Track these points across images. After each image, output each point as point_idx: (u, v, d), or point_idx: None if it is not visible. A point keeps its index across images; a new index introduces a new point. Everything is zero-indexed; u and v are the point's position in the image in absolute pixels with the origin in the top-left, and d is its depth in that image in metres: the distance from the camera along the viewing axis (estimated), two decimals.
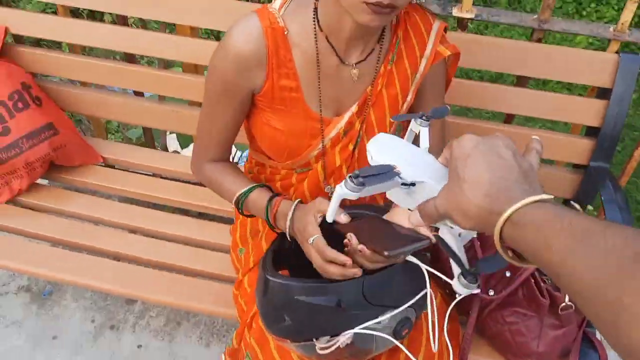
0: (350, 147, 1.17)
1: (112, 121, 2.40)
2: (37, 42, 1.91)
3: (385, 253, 0.83)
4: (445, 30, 1.18)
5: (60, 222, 1.67)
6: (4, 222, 1.66)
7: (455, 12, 1.52)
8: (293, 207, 1.10)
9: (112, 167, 1.89)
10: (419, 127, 0.82)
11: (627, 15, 1.43)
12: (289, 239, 1.12)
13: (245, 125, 1.24)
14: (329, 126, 1.14)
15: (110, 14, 1.70)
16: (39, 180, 1.76)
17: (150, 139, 2.13)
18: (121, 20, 1.77)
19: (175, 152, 2.21)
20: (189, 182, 1.79)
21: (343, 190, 0.71)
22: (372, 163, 0.74)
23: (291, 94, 1.10)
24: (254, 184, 1.20)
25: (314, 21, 1.06)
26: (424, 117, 0.81)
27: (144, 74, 1.74)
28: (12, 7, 1.79)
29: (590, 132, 1.58)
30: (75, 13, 1.79)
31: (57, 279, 1.54)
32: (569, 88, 3.33)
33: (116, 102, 1.80)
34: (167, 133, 2.29)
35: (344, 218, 0.98)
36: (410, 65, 1.14)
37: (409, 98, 1.17)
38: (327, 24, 1.05)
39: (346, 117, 1.14)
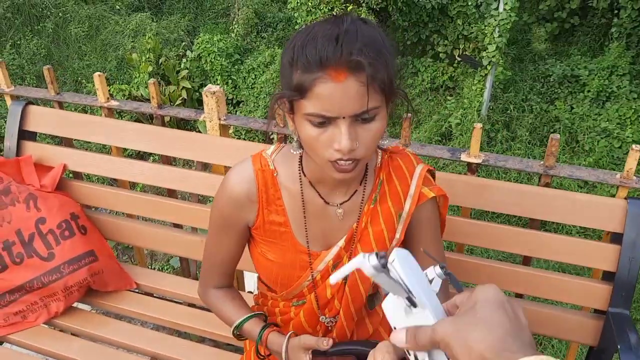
0: (341, 280, 1.24)
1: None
2: (90, 177, 2.11)
3: None
4: (433, 173, 1.28)
5: (91, 347, 1.76)
6: (41, 344, 1.76)
7: (464, 157, 1.63)
8: (285, 342, 1.20)
9: (150, 295, 1.99)
10: (433, 274, 0.77)
11: (631, 163, 1.50)
12: None
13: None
14: (317, 259, 1.22)
15: (153, 154, 1.88)
16: (76, 304, 1.88)
17: (187, 267, 2.25)
18: (165, 160, 1.97)
19: (250, 292, 2.26)
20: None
21: (362, 261, 0.66)
22: (390, 267, 0.68)
23: (280, 228, 1.21)
24: (251, 314, 1.29)
25: (299, 169, 1.19)
26: (444, 270, 0.77)
27: (181, 207, 1.89)
28: (72, 146, 2.02)
29: (607, 276, 1.59)
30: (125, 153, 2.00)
31: None
32: (584, 233, 3.33)
33: (155, 232, 1.95)
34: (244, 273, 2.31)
35: (325, 344, 1.09)
36: (394, 205, 1.21)
37: (397, 235, 1.22)
38: (310, 172, 1.18)
39: (334, 251, 1.22)
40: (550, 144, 1.55)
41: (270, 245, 1.23)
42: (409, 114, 1.71)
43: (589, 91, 8.63)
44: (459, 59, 9.05)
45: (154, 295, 1.98)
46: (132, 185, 2.17)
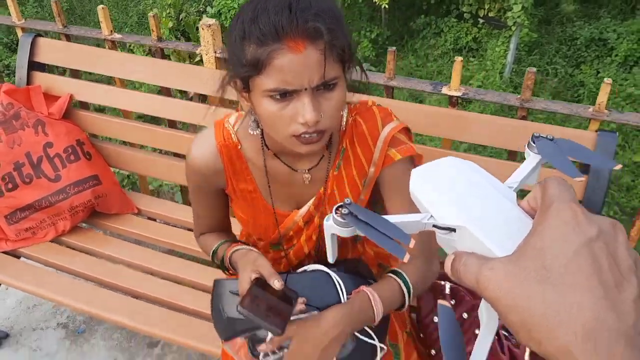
0: (314, 237, 1.27)
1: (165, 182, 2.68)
2: (97, 108, 2.22)
3: (238, 308, 1.01)
4: (409, 131, 1.21)
5: (94, 262, 1.90)
6: (49, 258, 1.91)
7: (445, 90, 1.69)
8: (246, 251, 1.21)
9: (153, 219, 2.12)
10: (529, 154, 0.59)
11: (602, 97, 1.55)
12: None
13: None
14: (287, 218, 1.25)
15: (156, 86, 1.99)
16: (81, 224, 2.02)
17: (187, 195, 2.37)
18: (165, 92, 2.07)
19: None
20: None
21: (328, 224, 0.55)
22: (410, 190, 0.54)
23: (250, 194, 1.22)
24: (228, 239, 1.32)
25: (262, 142, 1.16)
26: (548, 137, 0.59)
27: (181, 138, 2.00)
28: (78, 78, 2.13)
29: None
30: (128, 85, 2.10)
31: (85, 312, 1.75)
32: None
33: (155, 161, 2.07)
34: None
35: (277, 284, 1.06)
36: (357, 171, 1.19)
37: (361, 197, 1.21)
38: (273, 145, 1.15)
39: (303, 211, 1.23)
40: (527, 77, 1.60)
41: (243, 206, 1.25)
42: (394, 48, 1.77)
43: (616, 55, 8.44)
44: (482, 20, 8.91)
45: (156, 220, 2.11)
46: (137, 117, 2.28)
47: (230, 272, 1.29)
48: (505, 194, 0.48)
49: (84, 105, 2.16)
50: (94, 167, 2.00)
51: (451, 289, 1.50)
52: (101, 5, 1.99)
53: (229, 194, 1.24)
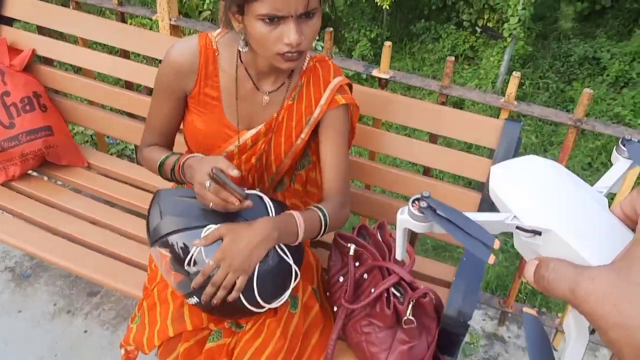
0: (253, 160, 1.45)
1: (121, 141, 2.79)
2: (60, 65, 2.33)
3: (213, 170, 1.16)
4: (350, 86, 1.47)
5: (41, 209, 2.01)
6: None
7: (375, 72, 1.81)
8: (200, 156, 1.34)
9: (105, 175, 2.22)
10: (618, 158, 0.54)
11: (511, 88, 1.66)
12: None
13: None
14: (237, 134, 1.41)
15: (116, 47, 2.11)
16: (31, 172, 2.13)
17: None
18: (123, 54, 2.18)
19: None
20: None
21: (403, 218, 0.50)
22: (490, 187, 0.50)
23: (212, 102, 1.40)
24: (177, 153, 1.44)
25: (237, 55, 1.37)
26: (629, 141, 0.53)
27: (136, 99, 2.11)
28: (43, 34, 2.24)
29: (478, 186, 1.77)
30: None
31: (32, 254, 1.86)
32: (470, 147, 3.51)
33: (109, 119, 2.18)
34: None
35: (236, 172, 1.18)
36: (305, 108, 1.41)
37: (302, 135, 1.43)
38: (245, 58, 1.36)
39: (253, 131, 1.42)
40: (446, 66, 1.72)
41: (201, 115, 1.41)
42: (331, 28, 1.88)
43: (607, 75, 8.53)
44: (479, 29, 9.02)
45: (104, 175, 2.22)
46: (97, 76, 2.38)
47: (179, 181, 1.40)
48: (596, 198, 0.45)
49: (49, 62, 2.27)
50: (48, 119, 2.11)
51: (355, 250, 1.61)
52: None
53: (191, 100, 1.39)
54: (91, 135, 2.84)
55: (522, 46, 8.87)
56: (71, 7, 2.17)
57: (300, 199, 1.62)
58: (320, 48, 6.65)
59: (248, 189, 1.40)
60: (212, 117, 1.41)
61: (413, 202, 0.48)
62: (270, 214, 1.32)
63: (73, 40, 2.21)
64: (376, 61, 9.30)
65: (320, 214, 1.36)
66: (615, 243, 0.40)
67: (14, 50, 2.18)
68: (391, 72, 1.80)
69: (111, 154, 2.55)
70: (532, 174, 0.47)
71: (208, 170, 1.19)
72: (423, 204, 0.47)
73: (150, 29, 1.91)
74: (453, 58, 1.71)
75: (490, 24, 9.41)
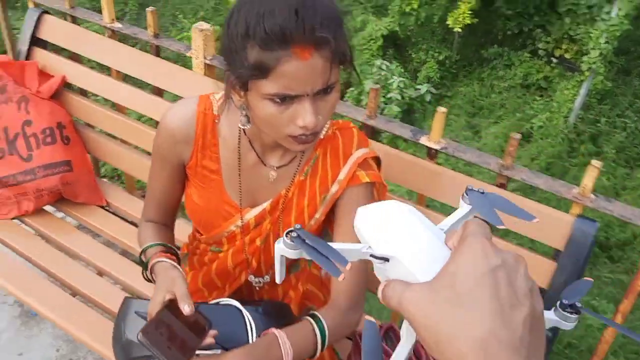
0: (258, 242, 1.23)
1: None
2: (85, 93, 2.19)
3: (138, 336, 0.95)
4: (378, 161, 1.22)
5: (46, 249, 1.87)
6: (6, 237, 1.89)
7: (424, 140, 1.55)
8: (169, 267, 1.16)
9: (123, 219, 2.06)
10: (462, 204, 0.64)
11: (588, 179, 1.37)
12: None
13: None
14: (240, 213, 1.21)
15: (150, 85, 1.95)
16: (47, 207, 2.00)
17: None
18: (156, 90, 2.01)
19: None
20: None
21: (278, 247, 0.60)
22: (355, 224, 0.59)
23: (211, 175, 1.20)
24: (162, 243, 1.26)
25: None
26: (479, 190, 0.63)
27: None
28: (78, 61, 2.11)
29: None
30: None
31: (22, 300, 1.72)
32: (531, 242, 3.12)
33: (134, 158, 2.02)
34: None
35: (187, 309, 1.03)
36: (320, 185, 1.18)
37: (317, 215, 1.19)
38: (249, 130, 1.14)
39: (257, 210, 1.21)
40: (510, 144, 1.44)
41: (199, 188, 1.23)
42: (378, 85, 1.64)
43: None
44: (556, 60, 8.53)
45: (121, 216, 2.06)
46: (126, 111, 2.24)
47: (151, 279, 1.23)
48: (435, 233, 0.54)
49: (81, 91, 2.13)
50: (68, 153, 1.97)
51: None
52: None
53: (189, 171, 1.22)
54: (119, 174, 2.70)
55: (601, 81, 8.31)
56: (106, 34, 2.02)
57: (317, 285, 1.39)
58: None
59: (231, 294, 1.26)
60: (211, 192, 1.21)
61: (287, 233, 0.57)
62: (250, 335, 1.12)
63: (106, 69, 2.05)
64: (442, 84, 8.96)
65: (317, 327, 1.12)
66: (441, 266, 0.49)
67: (44, 75, 2.05)
68: (443, 142, 1.54)
69: (139, 189, 2.39)
70: (387, 214, 0.57)
71: (161, 297, 1.04)
72: (294, 234, 0.56)
73: (185, 65, 1.77)
74: (519, 135, 1.43)
75: (567, 55, 8.89)
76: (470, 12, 7.77)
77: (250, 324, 1.14)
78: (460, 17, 7.86)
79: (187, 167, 1.22)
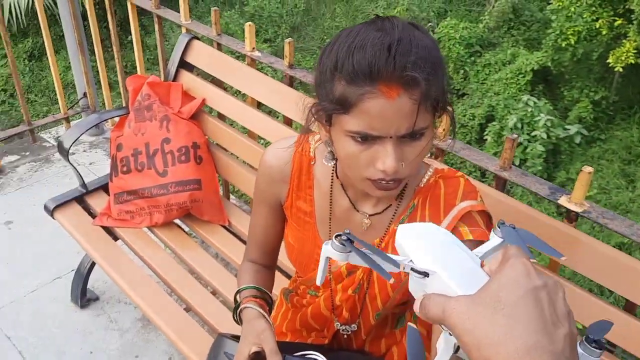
0: (350, 291, 1.17)
1: None
2: (221, 116, 2.26)
3: None
4: (488, 216, 1.08)
5: (169, 263, 1.95)
6: (136, 246, 2.01)
7: (563, 201, 1.39)
8: (255, 319, 1.13)
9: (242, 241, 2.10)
10: (494, 236, 0.68)
11: None
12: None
13: None
14: (332, 260, 1.15)
15: (281, 114, 1.98)
16: (176, 221, 2.09)
17: None
18: (287, 121, 2.03)
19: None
20: None
21: (326, 248, 0.66)
22: (397, 239, 0.64)
23: (305, 217, 1.17)
24: (257, 286, 1.24)
25: (333, 168, 1.13)
26: (511, 225, 0.67)
27: None
28: (219, 85, 2.20)
29: None
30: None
31: (142, 310, 1.80)
32: None
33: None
34: None
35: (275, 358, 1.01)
36: None
37: None
38: (343, 177, 1.12)
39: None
40: None
41: (294, 229, 1.21)
42: (516, 135, 1.50)
43: None
44: None
45: (241, 238, 2.10)
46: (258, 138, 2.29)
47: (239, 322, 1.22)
48: (471, 256, 0.59)
49: (220, 114, 2.22)
50: (199, 172, 2.05)
51: None
52: (248, 23, 2.02)
53: (286, 212, 1.21)
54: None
55: None
56: (246, 61, 2.08)
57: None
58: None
59: (332, 339, 1.19)
60: (305, 235, 1.18)
61: (336, 236, 0.64)
62: None
63: (243, 95, 2.12)
64: (595, 125, 8.29)
65: None
66: (478, 283, 0.53)
67: (187, 96, 2.16)
68: (586, 205, 1.37)
69: None
70: (428, 233, 0.63)
71: (247, 349, 1.02)
72: (344, 237, 0.64)
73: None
74: None
75: None
76: (635, 51, 7.12)
77: None
78: (623, 56, 7.23)
79: (284, 207, 1.20)
